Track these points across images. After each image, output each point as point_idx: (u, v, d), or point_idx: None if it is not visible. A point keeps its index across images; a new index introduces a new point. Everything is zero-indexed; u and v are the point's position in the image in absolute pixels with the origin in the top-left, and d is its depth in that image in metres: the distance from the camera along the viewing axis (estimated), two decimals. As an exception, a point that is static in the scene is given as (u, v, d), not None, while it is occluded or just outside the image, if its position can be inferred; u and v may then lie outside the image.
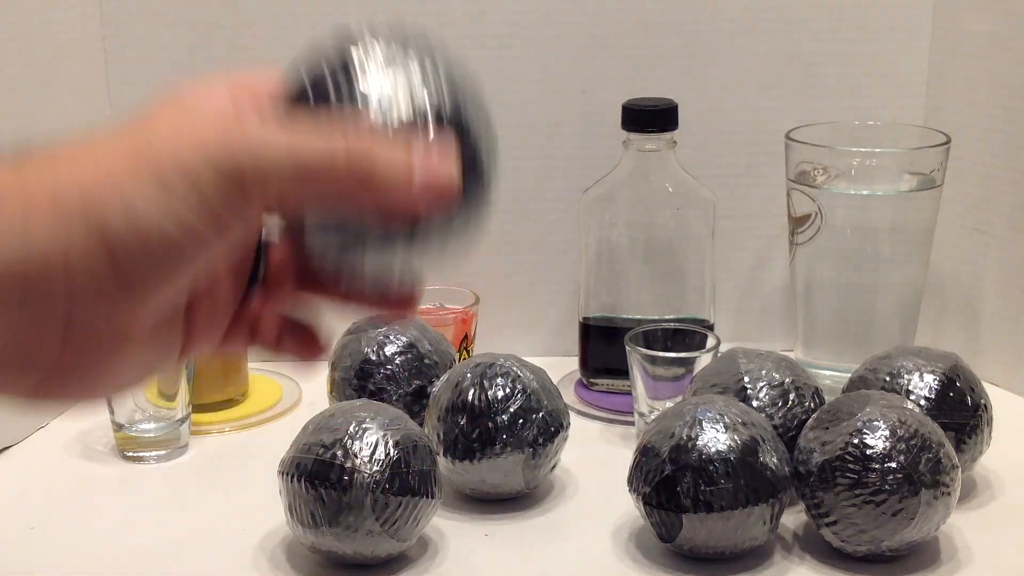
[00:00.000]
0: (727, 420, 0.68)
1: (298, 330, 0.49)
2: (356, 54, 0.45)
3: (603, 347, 0.93)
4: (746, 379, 0.76)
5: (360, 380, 0.81)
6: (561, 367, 0.96)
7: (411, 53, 0.46)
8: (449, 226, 0.46)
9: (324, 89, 0.44)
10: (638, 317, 0.92)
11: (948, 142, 0.88)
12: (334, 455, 0.66)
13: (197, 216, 0.39)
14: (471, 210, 0.46)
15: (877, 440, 0.67)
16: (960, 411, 0.75)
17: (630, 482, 0.70)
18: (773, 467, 0.67)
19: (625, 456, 0.73)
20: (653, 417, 0.77)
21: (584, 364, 0.95)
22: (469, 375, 0.75)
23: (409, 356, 0.81)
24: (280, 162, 0.40)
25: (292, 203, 0.42)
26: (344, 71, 0.45)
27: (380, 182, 0.42)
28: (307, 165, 0.41)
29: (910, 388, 0.75)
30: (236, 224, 0.40)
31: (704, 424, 0.68)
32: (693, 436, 0.67)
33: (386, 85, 0.44)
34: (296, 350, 0.49)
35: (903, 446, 0.66)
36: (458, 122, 0.45)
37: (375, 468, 0.66)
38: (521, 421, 0.74)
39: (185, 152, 0.40)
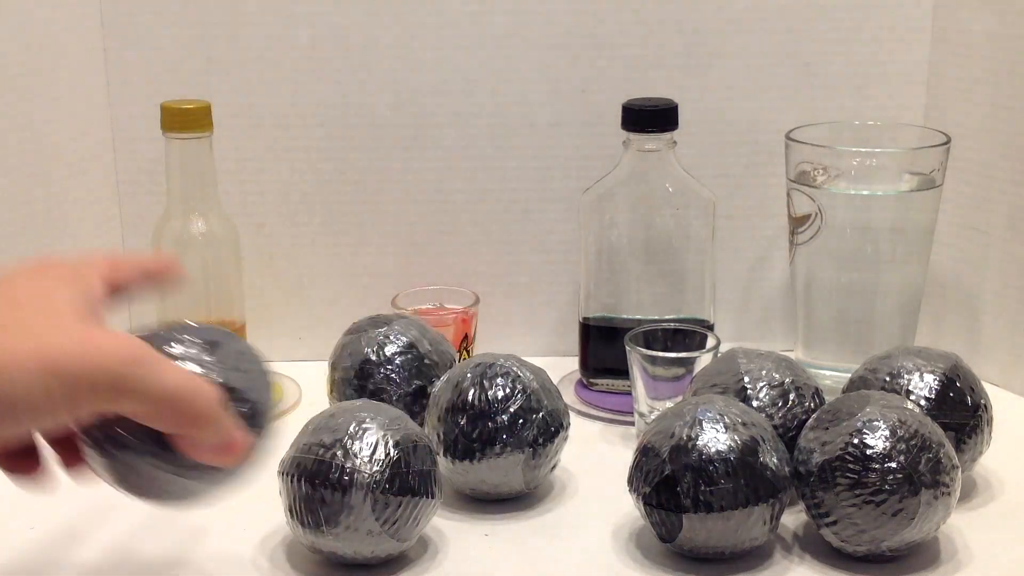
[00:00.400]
0: (727, 420, 0.68)
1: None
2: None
3: (603, 347, 0.93)
4: (746, 379, 0.76)
5: (360, 380, 0.81)
6: (561, 367, 0.96)
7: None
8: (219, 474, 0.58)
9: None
10: (638, 317, 0.92)
11: (948, 142, 0.88)
12: (334, 455, 0.66)
13: (31, 407, 0.47)
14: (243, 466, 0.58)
15: (877, 440, 0.67)
16: (960, 411, 0.75)
17: (630, 482, 0.70)
18: (773, 467, 0.67)
19: (625, 456, 0.73)
20: (653, 417, 0.77)
21: (584, 364, 0.95)
22: (469, 375, 0.75)
23: (409, 356, 0.81)
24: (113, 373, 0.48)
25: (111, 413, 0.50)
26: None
27: (205, 421, 0.51)
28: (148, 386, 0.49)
29: (910, 388, 0.75)
30: (61, 416, 0.48)
31: (704, 424, 0.68)
32: (693, 436, 0.67)
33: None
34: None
35: (903, 446, 0.66)
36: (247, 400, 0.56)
37: (375, 468, 0.66)
38: (521, 421, 0.74)
39: (23, 359, 0.47)
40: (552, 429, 0.75)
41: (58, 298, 0.51)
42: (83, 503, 0.78)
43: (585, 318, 0.94)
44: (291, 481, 0.67)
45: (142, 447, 0.53)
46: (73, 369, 0.47)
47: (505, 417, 0.74)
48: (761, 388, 0.76)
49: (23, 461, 0.55)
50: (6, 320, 0.49)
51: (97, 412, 0.50)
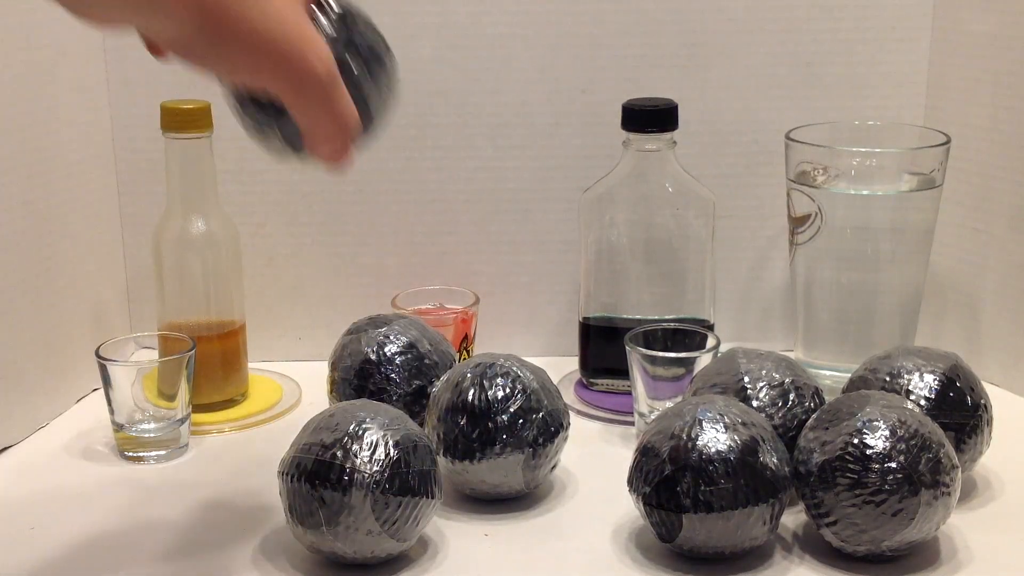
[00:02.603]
0: (727, 420, 0.68)
1: None
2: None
3: (603, 347, 0.93)
4: (746, 379, 0.76)
5: (360, 380, 0.81)
6: (561, 367, 0.96)
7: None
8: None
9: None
10: (638, 317, 0.92)
11: (948, 142, 0.88)
12: (334, 455, 0.66)
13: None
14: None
15: (877, 440, 0.67)
16: (960, 411, 0.75)
17: (630, 482, 0.70)
18: (773, 467, 0.67)
19: (625, 456, 0.73)
20: (653, 417, 0.77)
21: (584, 364, 0.95)
22: (469, 375, 0.75)
23: (409, 356, 0.81)
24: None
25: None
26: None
27: (335, 103, 0.56)
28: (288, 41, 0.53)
29: (910, 388, 0.75)
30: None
31: (704, 424, 0.68)
32: (693, 436, 0.67)
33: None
34: None
35: (903, 446, 0.66)
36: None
37: (375, 468, 0.66)
38: (521, 421, 0.74)
39: None
40: (552, 429, 0.75)
41: None
42: (83, 503, 0.78)
43: (585, 318, 0.94)
44: (291, 481, 0.67)
45: (270, 108, 0.58)
46: (273, 62, 0.53)
47: (505, 417, 0.74)
48: (761, 388, 0.76)
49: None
50: None
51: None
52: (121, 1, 0.50)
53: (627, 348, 0.82)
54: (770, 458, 0.68)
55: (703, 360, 0.81)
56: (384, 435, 0.67)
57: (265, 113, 0.59)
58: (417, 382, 0.81)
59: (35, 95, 0.88)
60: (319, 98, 0.55)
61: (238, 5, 0.52)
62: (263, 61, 0.53)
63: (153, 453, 0.84)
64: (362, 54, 0.60)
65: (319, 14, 0.58)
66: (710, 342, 0.83)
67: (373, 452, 0.67)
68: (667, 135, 0.90)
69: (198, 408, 0.88)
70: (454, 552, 0.72)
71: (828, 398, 0.76)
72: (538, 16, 0.96)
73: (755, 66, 0.97)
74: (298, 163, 0.62)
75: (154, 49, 0.58)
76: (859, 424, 0.68)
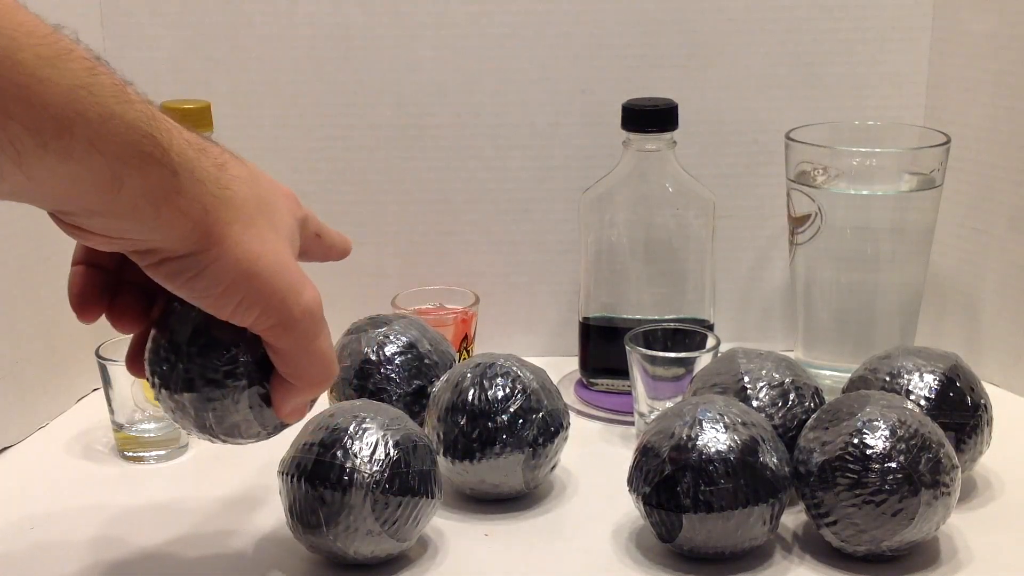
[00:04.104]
0: (727, 420, 0.68)
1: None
2: None
3: (603, 347, 0.93)
4: (746, 379, 0.76)
5: (360, 380, 0.81)
6: (561, 367, 0.96)
7: None
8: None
9: None
10: (638, 317, 0.92)
11: (948, 142, 0.88)
12: (334, 455, 0.66)
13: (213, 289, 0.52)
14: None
15: (877, 440, 0.67)
16: (960, 411, 0.75)
17: (630, 482, 0.70)
18: (773, 467, 0.67)
19: (625, 456, 0.73)
20: (653, 417, 0.77)
21: (584, 364, 0.95)
22: (469, 375, 0.75)
23: (409, 356, 0.81)
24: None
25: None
26: None
27: (322, 388, 0.58)
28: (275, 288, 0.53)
29: (910, 388, 0.75)
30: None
31: (704, 424, 0.68)
32: (693, 436, 0.67)
33: None
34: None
35: (903, 446, 0.66)
36: None
37: (375, 468, 0.66)
38: (521, 421, 0.74)
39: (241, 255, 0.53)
40: (552, 429, 0.75)
41: (285, 221, 0.57)
42: (83, 503, 0.78)
43: (585, 318, 0.94)
44: (291, 481, 0.67)
45: (253, 377, 0.57)
46: (267, 285, 0.53)
47: (505, 417, 0.74)
48: (761, 388, 0.76)
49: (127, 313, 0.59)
50: (254, 216, 0.53)
51: (250, 324, 0.55)
52: (123, 216, 0.48)
53: (627, 348, 0.82)
54: (770, 458, 0.68)
55: (703, 360, 0.81)
56: (384, 435, 0.67)
57: (229, 368, 0.57)
58: (417, 382, 0.81)
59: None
60: (307, 337, 0.55)
61: (238, 230, 0.52)
62: (256, 290, 0.53)
63: (153, 453, 0.84)
64: None
65: None
66: (710, 342, 0.83)
67: (373, 452, 0.67)
68: (667, 135, 0.90)
69: (198, 408, 0.88)
70: (454, 552, 0.72)
71: (828, 398, 0.76)
72: (538, 16, 0.96)
73: (755, 66, 0.97)
74: (233, 438, 0.61)
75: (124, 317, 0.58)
76: (859, 424, 0.68)
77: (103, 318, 0.59)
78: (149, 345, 0.58)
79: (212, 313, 0.53)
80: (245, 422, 0.59)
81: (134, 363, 0.60)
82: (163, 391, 0.58)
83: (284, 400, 0.58)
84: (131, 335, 0.60)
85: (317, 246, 0.63)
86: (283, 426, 0.61)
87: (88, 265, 0.57)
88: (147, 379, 0.59)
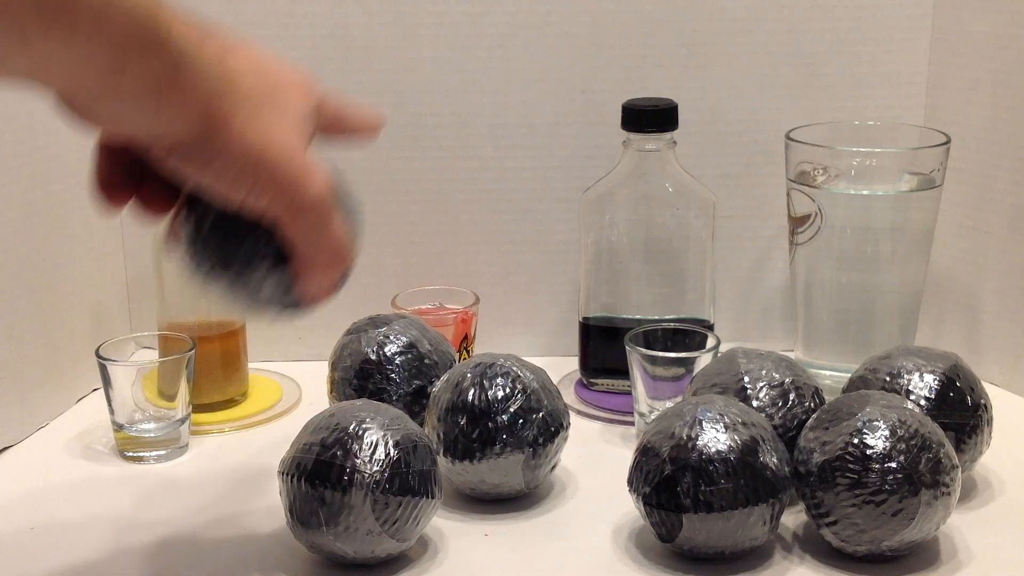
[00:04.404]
0: (727, 420, 0.68)
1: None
2: None
3: (603, 347, 0.93)
4: (746, 379, 0.76)
5: (360, 380, 0.81)
6: (561, 367, 0.96)
7: None
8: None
9: None
10: (638, 317, 0.92)
11: (948, 142, 0.88)
12: (334, 455, 0.66)
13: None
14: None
15: (877, 440, 0.67)
16: (960, 411, 0.75)
17: (630, 482, 0.70)
18: (773, 467, 0.67)
19: (625, 456, 0.73)
20: (653, 417, 0.77)
21: (584, 364, 0.95)
22: (469, 375, 0.75)
23: (409, 356, 0.81)
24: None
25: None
26: None
27: (327, 230, 0.56)
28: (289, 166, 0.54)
29: (910, 388, 0.75)
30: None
31: (704, 424, 0.68)
32: (693, 436, 0.67)
33: None
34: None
35: (903, 446, 0.66)
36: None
37: (375, 468, 0.66)
38: (521, 421, 0.74)
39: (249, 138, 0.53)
40: (552, 429, 0.75)
41: (296, 108, 0.56)
42: (83, 503, 0.78)
43: (585, 318, 0.94)
44: (291, 481, 0.67)
45: (276, 258, 0.57)
46: (275, 172, 0.53)
47: (505, 417, 0.74)
48: (761, 388, 0.76)
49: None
50: (260, 105, 0.53)
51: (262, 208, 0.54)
52: (130, 101, 0.49)
53: (627, 348, 0.82)
54: (770, 458, 0.68)
55: (703, 360, 0.81)
56: (384, 435, 0.67)
57: (250, 253, 0.57)
58: (417, 382, 0.81)
59: (35, 95, 0.88)
60: (319, 223, 0.55)
61: (242, 119, 0.52)
62: (266, 177, 0.53)
63: (153, 453, 0.84)
64: (345, 202, 0.60)
65: None
66: (710, 342, 0.83)
67: (373, 452, 0.67)
68: (667, 135, 0.90)
69: (198, 408, 0.88)
70: (454, 552, 0.72)
71: (828, 398, 0.76)
72: (538, 16, 0.96)
73: (755, 66, 0.97)
74: (270, 315, 0.61)
75: (151, 206, 0.58)
76: (859, 424, 0.67)
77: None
78: (179, 228, 0.59)
79: (225, 200, 0.54)
80: (273, 301, 0.60)
81: (172, 237, 0.60)
82: (195, 273, 0.59)
83: (306, 282, 0.58)
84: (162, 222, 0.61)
85: (340, 127, 0.62)
86: (314, 304, 0.61)
87: (110, 148, 0.56)
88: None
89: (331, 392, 0.84)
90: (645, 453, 0.69)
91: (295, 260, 0.57)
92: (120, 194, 0.57)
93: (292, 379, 0.97)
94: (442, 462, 0.74)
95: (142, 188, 0.57)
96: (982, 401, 0.76)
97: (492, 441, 0.74)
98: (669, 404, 0.77)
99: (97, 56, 0.46)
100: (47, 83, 0.48)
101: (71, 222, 0.92)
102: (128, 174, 0.56)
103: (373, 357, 0.81)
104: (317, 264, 0.57)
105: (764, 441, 0.68)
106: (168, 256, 0.62)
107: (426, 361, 0.81)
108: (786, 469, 0.69)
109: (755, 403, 0.75)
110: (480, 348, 0.95)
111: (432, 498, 0.69)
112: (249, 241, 0.57)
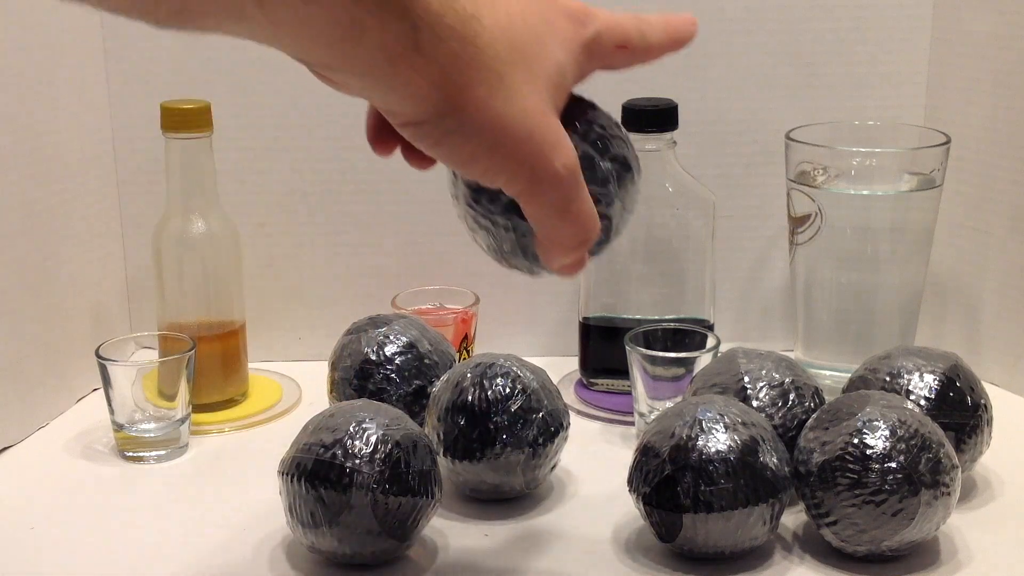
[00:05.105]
0: (727, 420, 0.68)
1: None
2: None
3: (603, 347, 0.93)
4: (746, 379, 0.76)
5: (360, 380, 0.81)
6: (561, 367, 0.96)
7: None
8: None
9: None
10: (638, 317, 0.92)
11: (948, 142, 0.88)
12: (334, 455, 0.66)
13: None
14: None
15: (877, 440, 0.67)
16: (960, 411, 0.75)
17: (630, 482, 0.70)
18: (773, 467, 0.67)
19: (625, 456, 0.73)
20: (653, 417, 0.77)
21: (584, 364, 0.95)
22: (469, 375, 0.75)
23: (409, 356, 0.81)
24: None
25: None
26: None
27: (571, 213, 0.51)
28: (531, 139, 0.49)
29: (910, 388, 0.75)
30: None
31: (704, 424, 0.68)
32: (693, 436, 0.67)
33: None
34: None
35: (903, 446, 0.66)
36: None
37: (375, 468, 0.66)
38: (521, 421, 0.74)
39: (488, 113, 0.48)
40: (552, 429, 0.75)
41: (550, 63, 0.50)
42: (83, 503, 0.78)
43: (585, 318, 0.94)
44: (291, 481, 0.67)
45: (520, 227, 0.54)
46: (514, 152, 0.48)
47: (505, 417, 0.74)
48: (761, 388, 0.76)
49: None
50: (505, 71, 0.48)
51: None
52: (361, 73, 0.45)
53: (627, 348, 0.82)
54: (770, 458, 0.68)
55: (703, 360, 0.81)
56: (384, 435, 0.67)
57: (500, 210, 0.54)
58: (417, 382, 0.81)
59: (35, 95, 0.88)
60: (560, 203, 0.50)
61: (482, 92, 0.47)
62: (502, 156, 0.48)
63: (153, 453, 0.84)
64: (611, 161, 0.55)
65: (572, 112, 0.54)
66: (710, 342, 0.83)
67: (373, 452, 0.67)
68: (667, 135, 0.90)
69: (198, 408, 0.88)
70: (454, 552, 0.72)
71: (828, 398, 0.76)
72: (538, 16, 0.96)
73: (755, 66, 0.97)
74: (527, 271, 0.58)
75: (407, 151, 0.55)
76: (859, 424, 0.68)
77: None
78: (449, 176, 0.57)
79: (461, 174, 0.51)
80: (524, 263, 0.57)
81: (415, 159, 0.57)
82: (465, 222, 0.58)
83: (548, 258, 0.54)
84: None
85: (624, 57, 0.56)
86: (563, 274, 0.57)
87: None
88: None
89: (331, 392, 0.84)
90: (645, 453, 0.69)
91: (536, 238, 0.53)
92: (388, 141, 0.54)
93: (292, 379, 0.97)
94: (442, 462, 0.74)
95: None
96: (982, 401, 0.76)
97: (492, 441, 0.74)
98: (669, 404, 0.77)
99: (335, 15, 0.42)
100: (279, 47, 0.44)
101: (71, 222, 0.93)
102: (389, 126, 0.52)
103: (373, 357, 0.81)
104: (556, 245, 0.53)
105: (764, 441, 0.68)
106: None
107: (426, 361, 0.81)
108: (786, 469, 0.69)
109: (755, 403, 0.75)
110: (480, 348, 0.95)
111: (432, 498, 0.69)
112: (493, 205, 0.54)
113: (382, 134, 0.54)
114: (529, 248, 0.55)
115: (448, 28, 0.45)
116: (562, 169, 0.49)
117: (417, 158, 0.55)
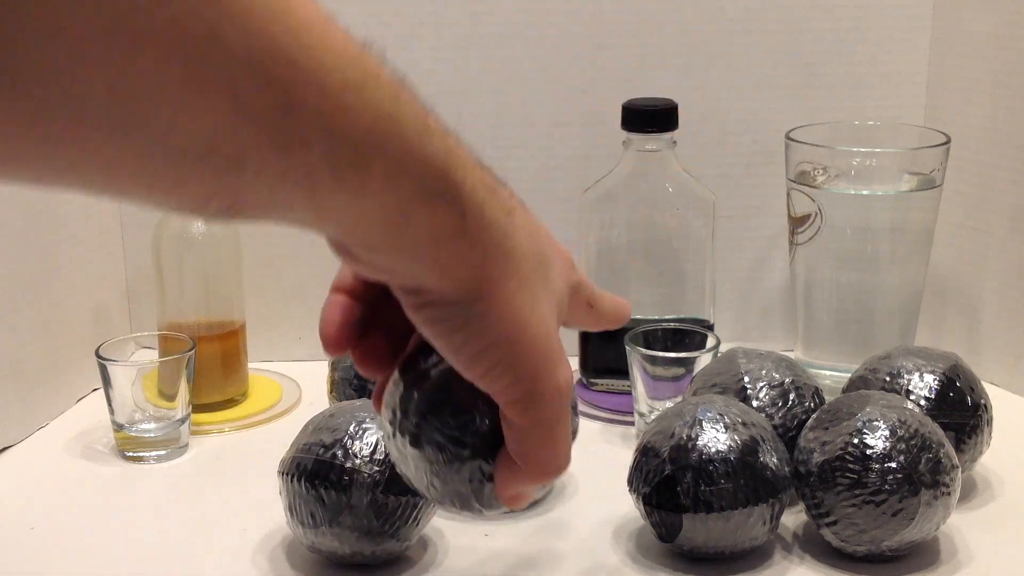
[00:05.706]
0: (727, 420, 0.68)
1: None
2: None
3: (603, 347, 0.93)
4: (746, 379, 0.76)
5: (360, 380, 0.81)
6: (561, 367, 0.96)
7: None
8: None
9: None
10: (638, 317, 0.92)
11: (948, 142, 0.88)
12: (334, 455, 0.66)
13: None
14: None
15: (877, 440, 0.67)
16: (960, 411, 0.75)
17: (630, 482, 0.70)
18: (773, 467, 0.67)
19: (625, 456, 0.73)
20: (653, 417, 0.77)
21: (584, 364, 0.95)
22: (469, 375, 0.75)
23: (409, 356, 0.81)
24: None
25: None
26: None
27: (553, 475, 0.50)
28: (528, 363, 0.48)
29: (910, 388, 0.75)
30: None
31: (704, 424, 0.68)
32: (693, 436, 0.67)
33: None
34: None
35: (903, 446, 0.66)
36: None
37: (375, 468, 0.66)
38: (521, 421, 0.74)
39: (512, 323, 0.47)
40: (552, 429, 0.75)
41: (557, 285, 0.51)
42: (83, 503, 0.78)
43: (585, 318, 0.94)
44: (291, 481, 0.67)
45: (479, 450, 0.51)
46: (526, 355, 0.47)
47: (505, 417, 0.74)
48: (761, 388, 0.76)
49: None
50: (531, 275, 0.48)
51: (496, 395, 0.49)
52: (404, 254, 0.44)
53: (627, 348, 0.82)
54: (770, 458, 0.68)
55: (703, 360, 0.81)
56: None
57: (459, 430, 0.51)
58: (417, 382, 0.81)
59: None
60: (550, 420, 0.49)
61: (513, 287, 0.46)
62: (515, 355, 0.47)
63: (153, 453, 0.84)
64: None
65: None
66: (710, 342, 0.83)
67: (373, 452, 0.67)
68: (667, 135, 0.90)
69: (198, 408, 0.88)
70: (454, 552, 0.72)
71: (828, 398, 0.76)
72: (538, 16, 0.96)
73: (755, 66, 0.97)
74: (453, 506, 0.54)
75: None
76: (859, 424, 0.67)
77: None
78: (388, 387, 0.53)
79: (460, 371, 0.49)
80: (463, 495, 0.53)
81: (377, 401, 0.55)
82: (391, 439, 0.53)
83: (507, 482, 0.52)
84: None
85: (588, 316, 0.56)
86: (504, 511, 0.54)
87: (351, 298, 0.53)
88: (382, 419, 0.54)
89: (331, 392, 0.84)
90: (645, 453, 0.69)
91: (502, 456, 0.51)
92: (346, 343, 0.53)
93: (292, 379, 0.97)
94: (442, 462, 0.74)
95: (364, 341, 0.53)
96: (982, 401, 0.76)
97: (492, 441, 0.74)
98: (669, 404, 0.77)
99: (385, 207, 0.41)
100: (322, 232, 0.43)
101: (71, 222, 0.92)
102: (357, 325, 0.52)
103: (373, 357, 0.81)
104: (528, 464, 0.51)
105: (764, 441, 0.68)
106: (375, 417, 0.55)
107: (426, 361, 0.81)
108: (786, 469, 0.69)
109: (755, 403, 0.75)
110: (480, 348, 0.95)
111: (432, 498, 0.69)
112: (460, 420, 0.51)
113: (343, 335, 0.52)
114: (475, 476, 0.52)
115: (491, 218, 0.45)
116: (564, 385, 0.49)
117: (370, 364, 0.53)
